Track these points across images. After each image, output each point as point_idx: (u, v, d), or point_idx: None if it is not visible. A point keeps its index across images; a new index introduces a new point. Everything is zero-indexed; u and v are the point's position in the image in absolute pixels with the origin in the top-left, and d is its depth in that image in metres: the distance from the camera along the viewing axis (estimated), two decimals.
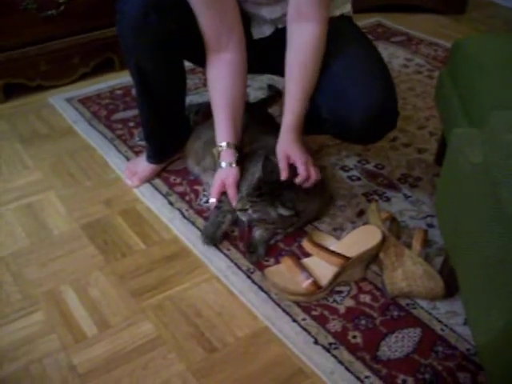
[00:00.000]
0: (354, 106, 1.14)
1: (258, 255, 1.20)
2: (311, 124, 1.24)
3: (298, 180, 1.17)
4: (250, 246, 1.22)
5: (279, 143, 1.20)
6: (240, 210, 1.17)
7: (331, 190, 1.39)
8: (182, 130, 1.48)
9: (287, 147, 1.19)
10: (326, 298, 1.11)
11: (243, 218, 1.18)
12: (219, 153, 1.24)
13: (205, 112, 1.53)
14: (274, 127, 1.31)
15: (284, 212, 1.16)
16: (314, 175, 1.18)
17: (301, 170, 1.17)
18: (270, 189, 1.17)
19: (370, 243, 1.12)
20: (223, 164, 1.23)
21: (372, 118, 1.15)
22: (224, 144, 1.23)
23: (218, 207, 1.23)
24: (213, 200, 1.24)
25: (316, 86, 1.19)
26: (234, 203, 1.20)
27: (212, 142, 1.30)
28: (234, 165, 1.23)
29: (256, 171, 1.21)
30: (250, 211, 1.16)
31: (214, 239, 1.23)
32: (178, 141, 1.48)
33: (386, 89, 1.17)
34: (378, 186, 1.45)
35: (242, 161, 1.25)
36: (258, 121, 1.42)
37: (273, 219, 1.18)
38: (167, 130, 1.43)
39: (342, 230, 1.28)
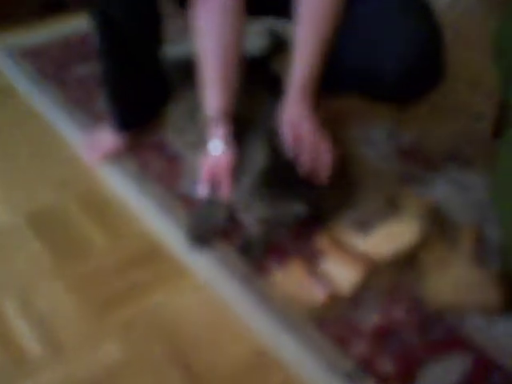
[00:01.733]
0: (388, 52, 1.15)
1: (253, 255, 1.20)
2: (329, 80, 1.25)
3: (301, 170, 1.17)
4: (244, 243, 1.22)
5: (282, 110, 1.21)
6: (243, 208, 1.17)
7: (354, 174, 1.40)
8: (158, 90, 1.48)
9: (293, 115, 1.20)
10: (347, 313, 1.11)
11: (248, 219, 1.19)
12: (208, 126, 1.23)
13: (189, 69, 1.52)
14: (280, 91, 1.33)
15: (301, 209, 1.16)
16: (326, 161, 1.18)
17: (306, 153, 1.17)
18: (283, 177, 1.16)
19: (405, 241, 1.13)
20: (214, 142, 1.22)
21: (410, 67, 1.15)
22: (215, 114, 1.22)
23: (208, 199, 1.24)
24: (204, 189, 1.22)
25: (337, 30, 1.20)
26: (227, 196, 1.20)
27: (199, 110, 1.31)
28: (228, 143, 1.21)
29: (260, 152, 1.21)
30: (256, 210, 1.16)
31: (202, 238, 1.23)
32: (153, 104, 1.49)
33: (428, 32, 1.18)
34: (416, 167, 1.44)
35: (240, 137, 1.25)
36: (258, 82, 1.43)
37: (287, 219, 1.18)
38: (139, 90, 1.44)
39: (368, 224, 1.27)
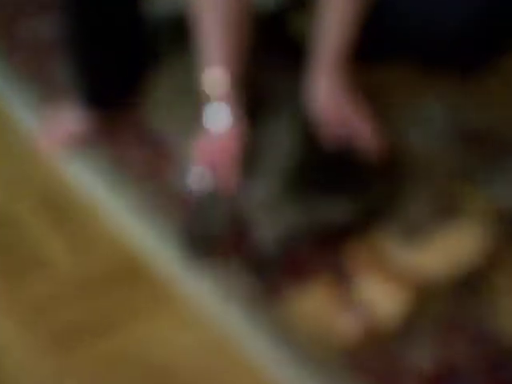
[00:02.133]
0: (451, 3, 1.19)
1: (266, 275, 1.21)
2: (369, 44, 1.26)
3: (364, 149, 1.19)
4: (254, 258, 1.23)
5: (310, 85, 1.24)
6: (258, 221, 1.19)
7: (401, 166, 1.38)
8: (139, 57, 1.48)
9: (327, 92, 1.21)
10: (391, 350, 1.11)
11: (263, 236, 1.22)
12: (209, 95, 1.24)
13: (179, 28, 1.48)
14: (303, 58, 1.34)
15: (349, 211, 1.17)
16: (377, 141, 1.21)
17: (362, 131, 1.19)
18: (321, 173, 1.18)
19: (467, 255, 1.14)
20: (216, 114, 1.23)
21: (478, 22, 1.20)
22: (219, 79, 1.22)
23: (205, 197, 1.25)
24: (198, 180, 1.23)
25: None
26: (233, 190, 1.21)
27: (194, 82, 1.31)
28: (237, 117, 1.22)
29: (288, 141, 1.21)
30: (286, 219, 1.18)
31: (201, 249, 1.24)
32: (132, 74, 1.48)
33: None
34: (483, 157, 1.43)
35: (254, 119, 1.26)
36: (274, 47, 1.44)
37: (326, 229, 1.19)
38: (114, 56, 1.44)
39: (418, 232, 1.27)
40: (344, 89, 1.23)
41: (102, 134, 1.49)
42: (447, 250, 1.16)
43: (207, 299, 1.19)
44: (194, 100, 1.29)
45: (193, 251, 1.24)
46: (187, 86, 1.35)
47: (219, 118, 1.23)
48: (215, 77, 1.24)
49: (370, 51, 1.33)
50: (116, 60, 1.44)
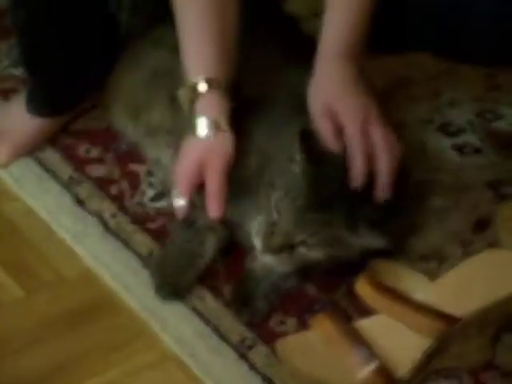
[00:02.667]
0: None
1: (254, 311, 1.22)
2: (383, 35, 1.30)
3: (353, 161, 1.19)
4: (241, 290, 1.24)
5: (313, 85, 1.26)
6: (276, 251, 1.16)
7: (418, 177, 1.38)
8: (100, 47, 1.49)
9: (331, 93, 1.23)
10: None
11: (280, 267, 1.21)
12: (192, 99, 1.25)
13: (152, 10, 1.54)
14: (304, 48, 1.37)
15: (372, 238, 1.15)
16: (391, 161, 1.20)
17: (357, 152, 1.18)
18: (339, 195, 1.16)
19: (503, 289, 1.12)
20: (203, 123, 1.24)
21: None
22: (203, 80, 1.24)
23: (187, 220, 1.26)
24: (180, 201, 1.25)
25: None
26: (213, 211, 1.22)
27: (167, 74, 1.36)
28: (225, 127, 1.24)
29: (292, 153, 1.19)
30: (302, 250, 1.16)
31: (179, 288, 1.25)
32: (92, 70, 1.50)
33: None
34: None
35: (246, 125, 1.29)
36: (273, 40, 1.45)
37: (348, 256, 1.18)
38: (71, 47, 1.44)
39: (440, 259, 1.27)
40: (352, 82, 1.24)
41: (57, 143, 1.51)
42: (478, 281, 1.13)
43: (186, 334, 1.20)
44: (168, 100, 1.32)
45: (174, 291, 1.25)
46: (160, 78, 1.39)
47: (206, 124, 1.24)
48: (202, 74, 1.25)
49: (389, 42, 1.34)
50: (73, 51, 1.44)
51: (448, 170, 1.46)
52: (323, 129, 1.21)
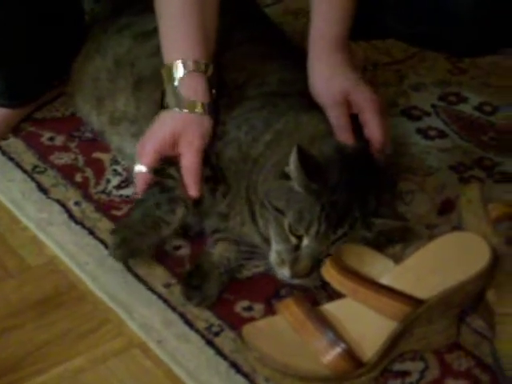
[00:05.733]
0: None
1: (204, 295, 1.22)
2: (363, 23, 1.34)
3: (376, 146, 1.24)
4: (194, 271, 1.25)
5: (315, 73, 1.28)
6: (307, 274, 1.18)
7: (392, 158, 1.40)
8: (64, 35, 1.49)
9: (340, 79, 1.26)
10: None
11: (310, 284, 1.21)
12: (175, 77, 1.28)
13: None
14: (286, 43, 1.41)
15: (391, 223, 1.21)
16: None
17: (375, 124, 1.24)
18: (347, 200, 1.18)
19: (466, 270, 1.11)
20: (183, 103, 1.26)
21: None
22: (190, 61, 1.27)
23: (158, 185, 1.28)
24: (143, 168, 1.26)
25: None
26: (192, 190, 1.24)
27: (131, 63, 1.39)
28: (204, 109, 1.26)
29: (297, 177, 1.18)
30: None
31: (136, 250, 1.24)
32: (56, 58, 1.50)
33: None
34: (484, 148, 1.48)
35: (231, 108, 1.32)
36: (252, 29, 1.49)
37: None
38: (34, 35, 1.44)
39: (405, 241, 1.28)
40: (345, 67, 1.27)
41: (18, 132, 1.51)
42: (442, 263, 1.13)
43: (151, 319, 1.20)
44: (132, 89, 1.35)
45: (130, 251, 1.24)
46: (125, 65, 1.40)
47: (185, 103, 1.26)
48: (183, 56, 1.28)
49: (370, 28, 1.35)
50: (34, 37, 1.44)
51: (413, 154, 1.46)
52: (338, 119, 1.24)
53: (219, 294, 1.23)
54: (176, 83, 1.26)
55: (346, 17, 1.28)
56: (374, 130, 1.23)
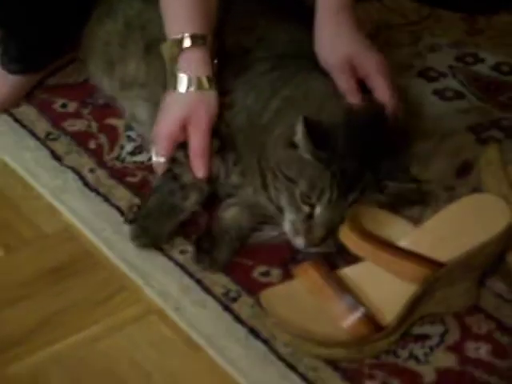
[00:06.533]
0: None
1: (215, 259, 1.23)
2: None
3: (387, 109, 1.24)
4: (204, 235, 1.25)
5: (325, 39, 1.29)
6: (321, 242, 1.19)
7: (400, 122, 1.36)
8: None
9: (346, 42, 1.27)
10: (394, 352, 1.11)
11: (326, 250, 1.21)
12: (175, 55, 1.27)
13: None
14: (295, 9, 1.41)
15: (404, 187, 1.21)
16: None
17: (384, 87, 1.25)
18: (357, 165, 1.18)
19: (486, 232, 1.11)
20: (186, 80, 1.26)
21: None
22: (186, 36, 1.26)
23: (170, 172, 1.28)
24: (160, 159, 1.28)
25: None
26: (200, 172, 1.25)
27: (142, 26, 1.40)
28: (209, 84, 1.26)
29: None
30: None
31: (156, 237, 1.25)
32: (66, 24, 1.49)
33: None
34: (503, 109, 1.47)
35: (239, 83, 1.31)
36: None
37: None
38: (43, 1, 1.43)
39: (424, 204, 1.28)
40: (351, 30, 1.28)
41: (34, 92, 1.52)
42: (461, 226, 1.13)
43: (169, 287, 1.20)
44: (143, 53, 1.35)
45: (150, 239, 1.25)
46: (136, 30, 1.41)
47: (192, 84, 1.25)
48: (184, 30, 1.27)
49: None
50: (44, 5, 1.43)
51: (429, 115, 1.46)
52: (346, 82, 1.24)
53: (230, 258, 1.23)
54: (176, 60, 1.26)
55: None
56: (383, 93, 1.23)
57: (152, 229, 1.24)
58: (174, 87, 1.26)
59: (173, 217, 1.24)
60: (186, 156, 1.25)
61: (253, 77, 1.30)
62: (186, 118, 1.25)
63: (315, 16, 1.28)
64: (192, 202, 1.25)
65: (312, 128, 1.15)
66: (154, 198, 1.26)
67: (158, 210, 1.24)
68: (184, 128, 1.25)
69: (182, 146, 1.26)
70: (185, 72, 1.25)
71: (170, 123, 1.26)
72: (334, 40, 1.26)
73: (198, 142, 1.24)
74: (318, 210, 1.16)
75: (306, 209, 1.16)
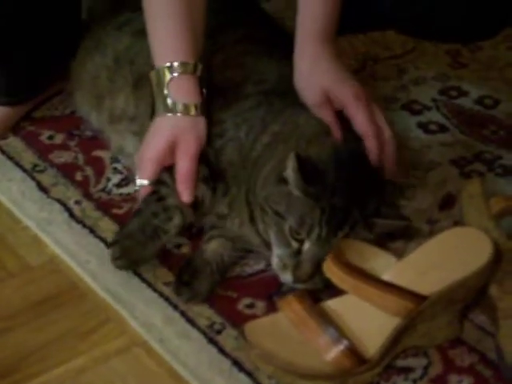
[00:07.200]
0: None
1: (195, 291, 1.22)
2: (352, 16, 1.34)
3: (370, 146, 1.23)
4: (185, 267, 1.25)
5: (302, 75, 1.28)
6: (309, 278, 1.18)
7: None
8: (62, 32, 1.48)
9: (321, 75, 1.26)
10: None
11: (313, 287, 1.20)
12: (164, 82, 1.27)
13: None
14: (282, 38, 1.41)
15: (390, 225, 1.21)
16: (387, 128, 1.26)
17: (362, 120, 1.23)
18: (346, 203, 1.17)
19: (469, 266, 1.11)
20: (175, 107, 1.26)
21: None
22: (176, 64, 1.26)
23: (156, 195, 1.27)
24: (143, 181, 1.27)
25: None
26: (185, 197, 1.24)
27: (130, 60, 1.39)
28: (198, 111, 1.26)
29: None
30: None
31: (137, 259, 1.24)
32: (54, 56, 1.49)
33: None
34: (485, 142, 1.47)
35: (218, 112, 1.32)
36: (249, 27, 1.50)
37: None
38: (32, 33, 1.44)
39: (407, 236, 1.29)
40: (327, 62, 1.27)
41: (21, 123, 1.52)
42: (444, 259, 1.13)
43: (153, 318, 1.20)
44: (132, 87, 1.35)
45: (130, 261, 1.24)
46: (124, 62, 1.41)
47: (180, 110, 1.25)
48: (173, 58, 1.27)
49: (367, 18, 1.35)
50: (33, 35, 1.44)
51: (414, 148, 1.46)
52: (326, 118, 1.24)
53: (211, 290, 1.22)
54: (166, 87, 1.26)
55: (331, 12, 1.28)
56: (360, 124, 1.22)
57: (133, 251, 1.23)
58: (163, 111, 1.25)
59: (155, 239, 1.23)
60: (173, 178, 1.24)
61: (243, 111, 1.30)
62: (174, 141, 1.24)
63: (294, 46, 1.28)
64: (175, 223, 1.24)
65: (302, 163, 1.15)
66: (136, 219, 1.25)
67: (140, 231, 1.23)
68: (171, 152, 1.25)
69: (169, 168, 1.26)
70: (174, 98, 1.25)
71: (157, 146, 1.25)
72: (308, 75, 1.26)
73: (185, 166, 1.23)
74: (306, 246, 1.15)
75: (295, 244, 1.16)
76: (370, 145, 1.21)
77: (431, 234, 1.23)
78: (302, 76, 1.26)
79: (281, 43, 1.44)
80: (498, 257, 1.12)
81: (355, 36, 1.71)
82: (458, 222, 1.24)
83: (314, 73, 1.25)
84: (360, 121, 1.22)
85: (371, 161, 1.21)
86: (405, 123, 1.53)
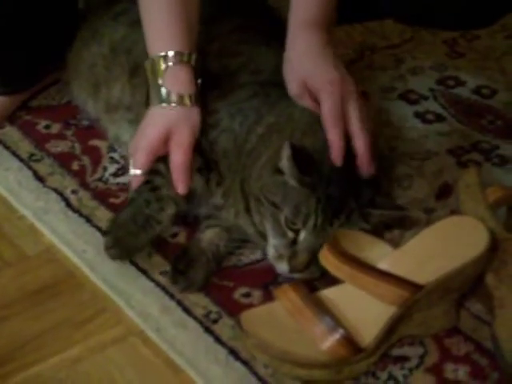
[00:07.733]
0: None
1: (191, 280, 1.22)
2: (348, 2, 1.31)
3: (329, 137, 1.19)
4: (181, 256, 1.24)
5: (286, 63, 1.28)
6: (305, 268, 1.19)
7: (382, 145, 1.41)
8: (58, 22, 1.49)
9: (304, 70, 1.24)
10: (373, 373, 1.11)
11: (310, 276, 1.21)
12: (158, 71, 1.27)
13: None
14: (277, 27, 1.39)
15: (387, 214, 1.22)
16: (358, 121, 1.22)
17: (327, 108, 1.20)
18: (341, 192, 1.18)
19: (465, 255, 1.11)
20: (170, 97, 1.26)
21: None
22: (171, 53, 1.26)
23: (149, 184, 1.27)
24: (136, 171, 1.28)
25: None
26: (180, 188, 1.24)
27: (127, 50, 1.38)
28: (192, 101, 1.26)
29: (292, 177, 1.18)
30: None
31: (129, 249, 1.24)
32: (51, 46, 1.49)
33: None
34: (483, 132, 1.47)
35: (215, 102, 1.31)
36: (246, 16, 1.50)
37: None
38: (28, 22, 1.44)
39: (403, 225, 1.28)
40: (323, 53, 1.25)
41: (17, 113, 1.52)
42: (440, 248, 1.13)
43: (149, 308, 1.20)
44: (128, 76, 1.35)
45: (124, 251, 1.24)
46: (120, 52, 1.41)
47: (175, 101, 1.25)
48: (168, 48, 1.27)
49: (363, 7, 1.35)
50: (29, 26, 1.44)
51: (410, 138, 1.46)
52: (306, 102, 1.24)
53: (206, 279, 1.22)
54: (160, 77, 1.26)
55: (325, 1, 1.27)
56: (325, 112, 1.19)
57: (126, 240, 1.23)
58: (158, 101, 1.25)
59: (148, 229, 1.23)
60: (168, 168, 1.24)
61: (237, 100, 1.30)
62: (168, 132, 1.24)
63: (287, 36, 1.28)
64: (168, 214, 1.24)
65: (297, 153, 1.14)
66: (129, 209, 1.25)
67: (132, 221, 1.23)
68: (165, 142, 1.25)
69: (163, 158, 1.25)
70: (169, 88, 1.25)
71: (150, 136, 1.25)
72: (299, 63, 1.25)
73: (179, 157, 1.23)
74: (302, 236, 1.15)
75: (291, 234, 1.16)
76: (329, 136, 1.18)
77: (428, 223, 1.23)
78: (290, 66, 1.25)
79: (279, 33, 1.43)
80: (494, 246, 1.12)
81: (352, 26, 1.71)
82: (454, 212, 1.24)
83: (301, 63, 1.24)
84: (325, 109, 1.19)
85: (330, 154, 1.18)
86: (402, 113, 1.53)
